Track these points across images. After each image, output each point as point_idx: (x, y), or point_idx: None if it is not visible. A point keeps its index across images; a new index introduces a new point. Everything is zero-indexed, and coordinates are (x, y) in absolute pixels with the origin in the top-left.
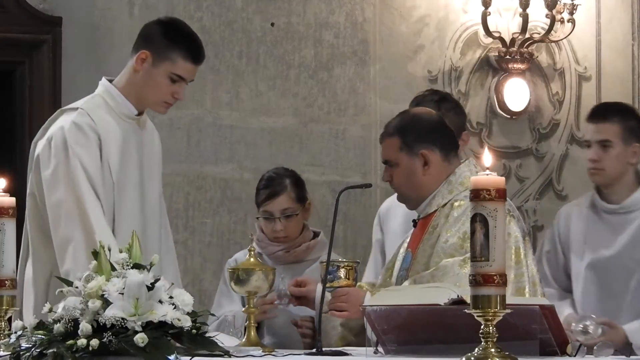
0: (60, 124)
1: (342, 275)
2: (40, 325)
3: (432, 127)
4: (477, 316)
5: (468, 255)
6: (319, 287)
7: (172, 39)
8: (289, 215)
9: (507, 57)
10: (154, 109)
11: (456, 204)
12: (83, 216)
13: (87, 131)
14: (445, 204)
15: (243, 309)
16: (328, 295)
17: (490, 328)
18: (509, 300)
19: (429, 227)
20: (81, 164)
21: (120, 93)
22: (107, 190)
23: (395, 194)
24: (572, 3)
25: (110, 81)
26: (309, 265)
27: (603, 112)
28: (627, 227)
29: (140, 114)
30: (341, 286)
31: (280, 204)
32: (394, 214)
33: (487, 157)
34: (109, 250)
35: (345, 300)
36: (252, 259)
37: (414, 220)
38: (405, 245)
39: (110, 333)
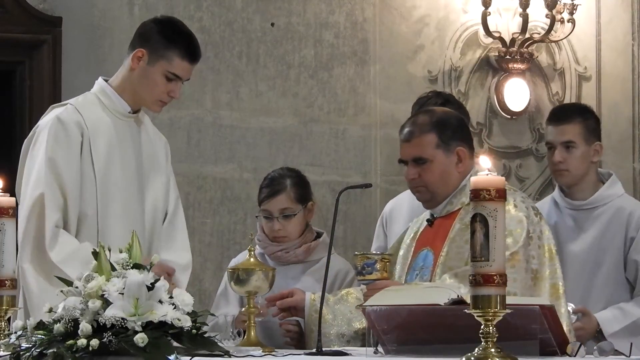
0: (47, 119)
1: (378, 268)
2: (40, 325)
3: (462, 124)
4: (477, 316)
5: (513, 250)
6: (308, 295)
7: (168, 37)
8: (287, 216)
9: (507, 57)
10: (149, 107)
11: None
12: (40, 212)
13: (70, 127)
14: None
15: (242, 309)
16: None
17: (490, 328)
18: (513, 300)
19: (456, 224)
20: (52, 160)
21: (114, 91)
22: (88, 187)
23: (397, 197)
24: (572, 3)
25: (106, 81)
26: (311, 266)
27: (564, 113)
28: (594, 223)
29: (136, 112)
30: (378, 279)
31: (279, 203)
32: (397, 217)
33: (485, 161)
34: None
35: None
36: (252, 259)
37: (429, 220)
38: (407, 245)
39: (110, 333)
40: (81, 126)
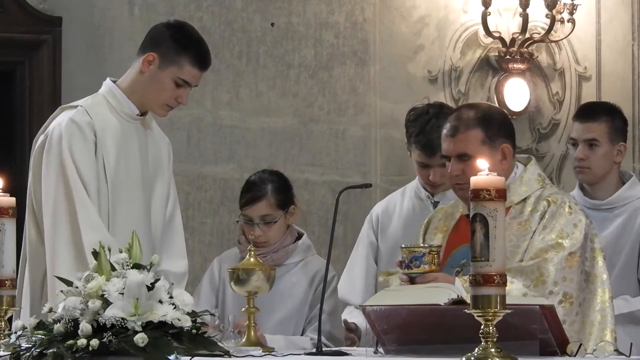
0: (59, 120)
1: (426, 261)
2: (40, 325)
3: (507, 121)
4: (477, 316)
5: (571, 251)
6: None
7: (180, 43)
8: (268, 222)
9: (507, 57)
10: (155, 111)
11: (551, 198)
12: (72, 213)
13: (84, 129)
14: (521, 201)
15: (243, 309)
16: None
17: (490, 328)
18: (513, 300)
19: (509, 223)
20: (74, 162)
21: (122, 93)
22: (101, 188)
23: (387, 198)
24: (572, 3)
25: (114, 82)
26: (290, 268)
27: (591, 111)
28: (611, 224)
29: (143, 114)
30: (427, 272)
31: (259, 210)
32: (391, 219)
33: (482, 163)
34: (109, 250)
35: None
36: (252, 259)
37: (467, 215)
38: (434, 242)
39: (110, 333)
40: (93, 128)
